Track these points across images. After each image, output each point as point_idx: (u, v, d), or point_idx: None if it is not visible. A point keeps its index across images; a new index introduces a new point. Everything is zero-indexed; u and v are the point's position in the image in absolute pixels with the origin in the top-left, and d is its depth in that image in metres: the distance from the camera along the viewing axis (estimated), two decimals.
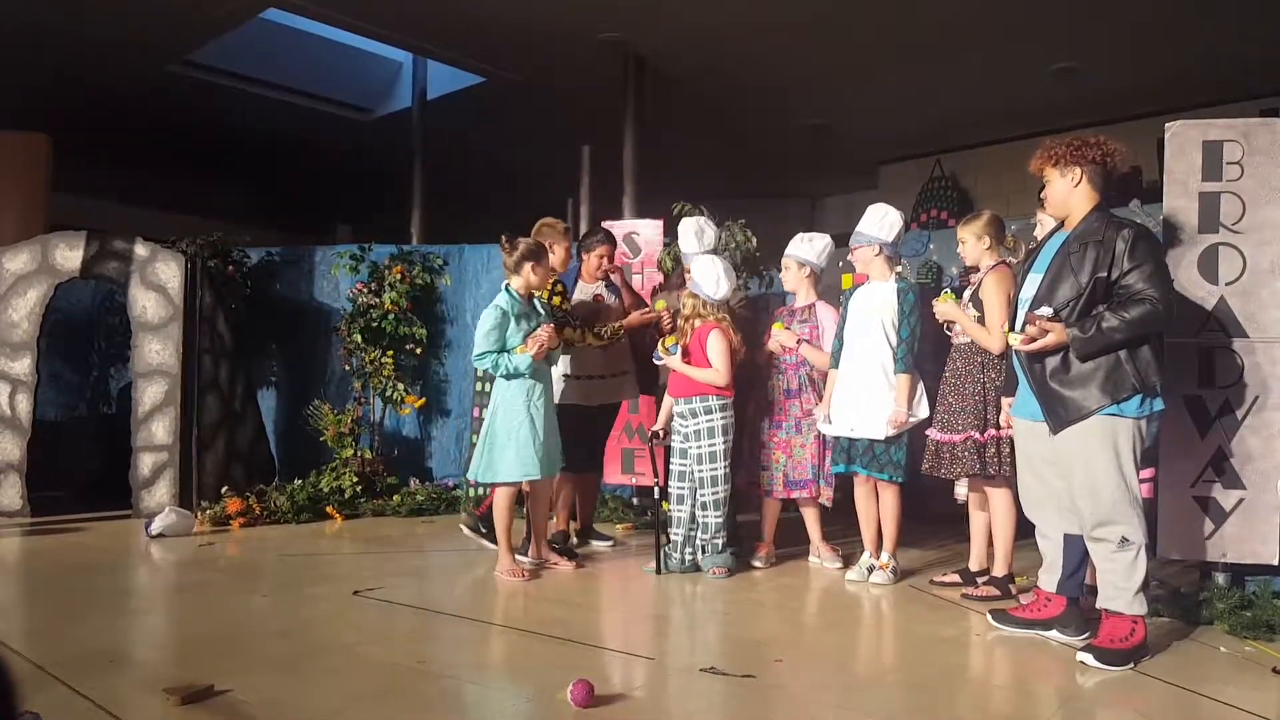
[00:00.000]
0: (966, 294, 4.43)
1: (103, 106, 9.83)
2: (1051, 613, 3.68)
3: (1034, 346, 3.39)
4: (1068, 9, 7.33)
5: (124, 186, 11.91)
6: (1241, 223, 4.03)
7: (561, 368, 5.21)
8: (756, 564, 4.95)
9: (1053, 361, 3.42)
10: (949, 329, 4.47)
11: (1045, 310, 3.40)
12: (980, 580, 4.42)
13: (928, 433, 4.45)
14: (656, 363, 4.87)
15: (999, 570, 4.37)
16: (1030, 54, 8.29)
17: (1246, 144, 4.05)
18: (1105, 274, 3.34)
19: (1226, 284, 4.03)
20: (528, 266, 4.66)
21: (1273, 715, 2.85)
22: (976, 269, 4.46)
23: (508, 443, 4.56)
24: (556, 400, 4.91)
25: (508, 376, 4.55)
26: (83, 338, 8.12)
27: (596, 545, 5.52)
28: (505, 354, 4.54)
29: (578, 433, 5.16)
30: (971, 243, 4.40)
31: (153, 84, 9.28)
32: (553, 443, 4.68)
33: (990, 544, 4.46)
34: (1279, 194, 4.00)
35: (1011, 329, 3.62)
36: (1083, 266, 3.37)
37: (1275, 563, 3.95)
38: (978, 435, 4.24)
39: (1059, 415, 3.41)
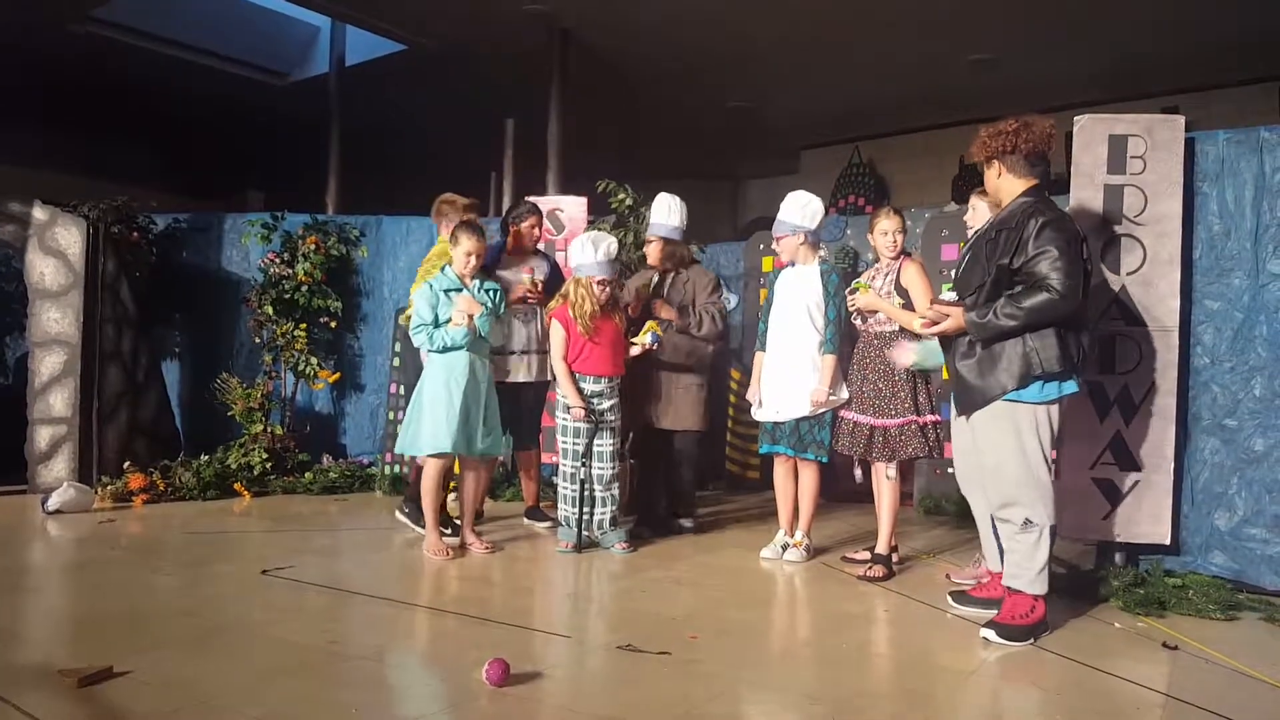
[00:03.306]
0: (880, 283, 4.52)
1: (1, 61, 9.32)
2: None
3: (934, 331, 3.47)
4: (985, 3, 7.50)
5: (22, 147, 11.33)
6: (1143, 215, 4.18)
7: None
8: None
9: (960, 346, 3.49)
10: (862, 319, 4.56)
11: (948, 295, 3.48)
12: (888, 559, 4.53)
13: (855, 418, 4.52)
14: (653, 346, 4.86)
15: (880, 547, 4.48)
16: (948, 44, 8.46)
17: (1149, 139, 4.19)
18: (1008, 260, 3.37)
19: (1128, 274, 4.18)
20: (455, 246, 4.67)
21: (1161, 687, 2.99)
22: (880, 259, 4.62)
23: (425, 415, 4.56)
24: None
25: (444, 350, 4.56)
26: None
27: (534, 525, 5.38)
28: (439, 328, 4.57)
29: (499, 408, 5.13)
30: (901, 234, 4.52)
31: (54, 40, 8.84)
32: (477, 422, 4.64)
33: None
34: (1178, 188, 4.16)
35: None
36: (993, 253, 3.42)
37: (1167, 542, 4.14)
38: (917, 418, 4.38)
39: (964, 400, 3.50)
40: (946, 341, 3.56)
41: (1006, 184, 3.54)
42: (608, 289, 4.80)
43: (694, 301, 5.21)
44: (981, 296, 3.43)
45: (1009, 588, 3.51)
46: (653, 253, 5.29)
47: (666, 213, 5.25)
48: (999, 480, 3.47)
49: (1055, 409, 3.44)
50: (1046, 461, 3.44)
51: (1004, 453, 3.43)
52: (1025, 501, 3.43)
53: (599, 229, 6.13)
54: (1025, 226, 3.36)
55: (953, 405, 3.77)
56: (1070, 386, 3.44)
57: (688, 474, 5.35)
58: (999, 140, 3.50)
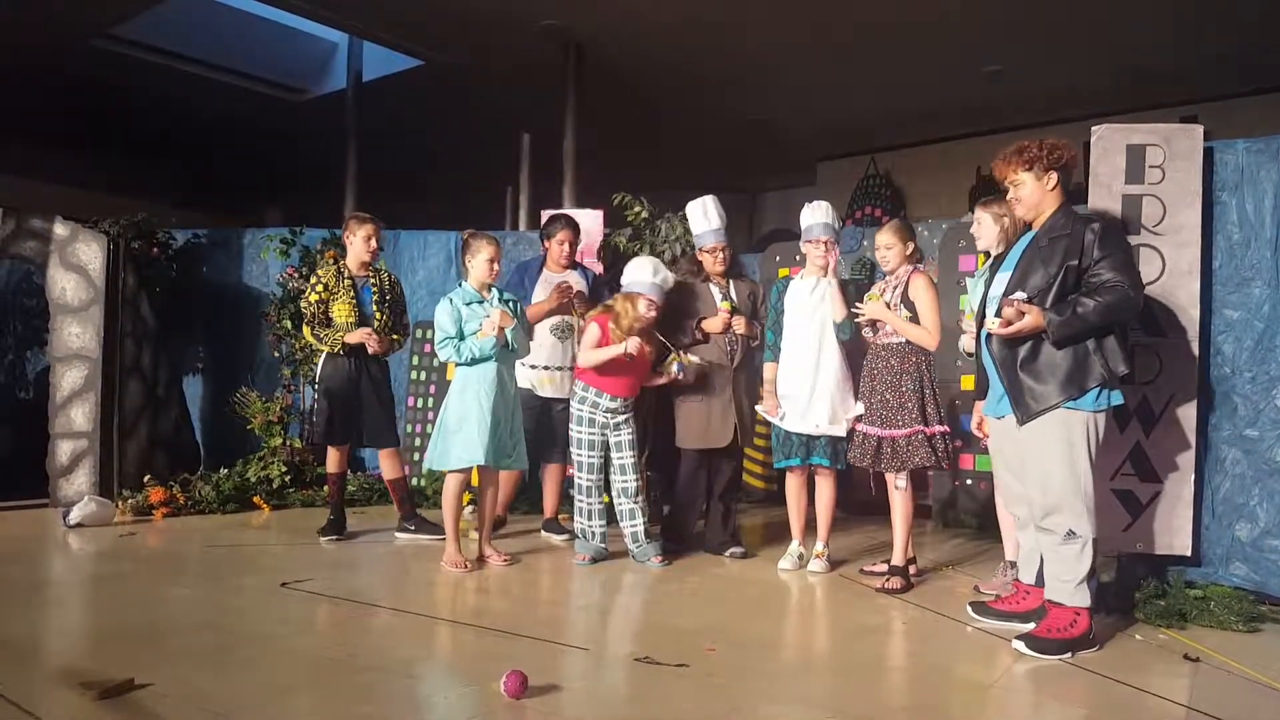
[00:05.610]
0: (888, 295, 4.52)
1: (22, 79, 9.46)
2: (1030, 605, 3.71)
3: (1011, 330, 3.39)
4: (999, 14, 7.50)
5: (42, 163, 11.49)
6: (1162, 225, 4.16)
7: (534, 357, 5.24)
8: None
9: (1024, 351, 3.45)
10: (873, 330, 4.55)
11: (1020, 295, 3.44)
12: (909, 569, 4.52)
13: (865, 429, 4.51)
14: (679, 376, 4.77)
15: (896, 559, 4.46)
16: (963, 57, 8.46)
17: (1168, 149, 4.17)
18: (1076, 262, 3.40)
19: (1147, 284, 4.14)
20: (468, 260, 4.72)
21: (1182, 700, 2.96)
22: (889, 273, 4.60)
23: (456, 430, 4.57)
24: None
25: (472, 362, 4.57)
26: None
27: (551, 538, 5.39)
28: (466, 340, 4.59)
29: (526, 421, 5.14)
30: (898, 249, 4.50)
31: (75, 57, 8.96)
32: (506, 434, 4.66)
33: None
34: (1197, 198, 4.13)
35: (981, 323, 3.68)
36: (1052, 258, 3.44)
37: (1188, 554, 4.10)
38: (924, 429, 4.36)
39: (1028, 406, 3.44)
40: (1009, 352, 3.51)
41: (1053, 195, 3.57)
42: (654, 311, 4.76)
43: (756, 312, 5.10)
44: (1049, 299, 3.42)
45: (1050, 601, 3.48)
46: (721, 260, 5.03)
47: (703, 215, 5.03)
48: (1045, 490, 3.45)
49: (1104, 420, 3.45)
50: (1092, 473, 3.44)
51: (1053, 461, 3.42)
52: (1070, 512, 3.41)
53: (615, 241, 6.15)
54: (1083, 233, 3.42)
55: (983, 411, 3.78)
56: (1117, 397, 3.46)
57: (736, 495, 5.24)
58: (1057, 153, 3.53)
